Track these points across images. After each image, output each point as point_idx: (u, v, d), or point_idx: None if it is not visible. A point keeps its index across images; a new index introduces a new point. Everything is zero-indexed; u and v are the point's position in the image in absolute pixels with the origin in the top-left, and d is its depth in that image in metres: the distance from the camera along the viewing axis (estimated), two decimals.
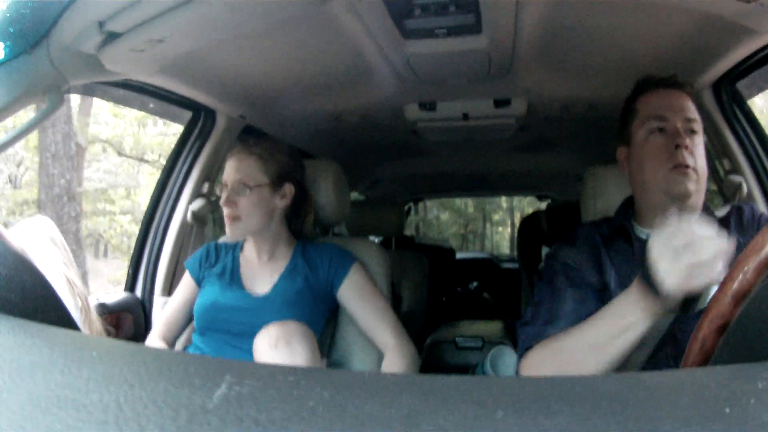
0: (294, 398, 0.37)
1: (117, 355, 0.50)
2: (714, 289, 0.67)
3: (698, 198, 1.12)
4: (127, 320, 1.75)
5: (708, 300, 0.67)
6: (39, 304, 0.63)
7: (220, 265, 1.48)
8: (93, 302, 1.61)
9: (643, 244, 1.13)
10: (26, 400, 0.35)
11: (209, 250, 1.53)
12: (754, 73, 1.51)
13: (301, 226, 1.55)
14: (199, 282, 1.50)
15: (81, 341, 0.57)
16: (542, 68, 1.58)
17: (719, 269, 0.75)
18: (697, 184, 1.09)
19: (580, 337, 0.94)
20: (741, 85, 1.58)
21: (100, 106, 10.01)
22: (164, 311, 1.56)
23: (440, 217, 16.05)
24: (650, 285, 0.82)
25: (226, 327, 1.35)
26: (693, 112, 1.13)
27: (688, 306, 0.80)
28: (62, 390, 0.38)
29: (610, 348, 0.89)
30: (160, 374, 0.42)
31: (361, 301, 1.42)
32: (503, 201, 16.63)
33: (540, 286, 1.15)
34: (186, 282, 1.54)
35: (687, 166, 1.07)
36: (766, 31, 1.20)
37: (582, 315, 1.01)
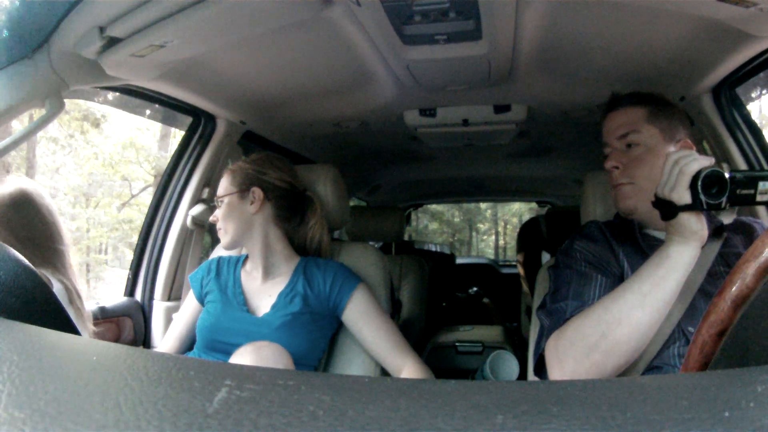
0: (294, 402, 0.37)
1: (117, 359, 0.50)
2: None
3: (647, 206, 1.14)
4: (127, 325, 1.75)
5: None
6: (40, 309, 0.64)
7: (223, 280, 1.48)
8: (92, 307, 1.62)
9: (650, 239, 1.15)
10: (27, 404, 0.35)
11: (211, 267, 1.53)
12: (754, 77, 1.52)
13: (304, 239, 1.53)
14: (201, 300, 1.50)
15: (81, 345, 0.57)
16: (542, 74, 1.58)
17: (699, 156, 0.93)
18: (639, 195, 1.16)
19: (629, 290, 0.94)
20: (740, 90, 1.59)
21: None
22: (171, 328, 1.55)
23: (429, 227, 16.78)
24: (671, 212, 0.93)
25: (225, 348, 1.32)
26: (626, 125, 1.17)
27: (713, 200, 0.90)
28: (62, 393, 0.38)
29: (661, 288, 0.93)
30: (160, 378, 0.42)
31: (367, 325, 1.38)
32: (488, 213, 17.35)
33: (561, 273, 1.14)
34: (190, 299, 1.55)
35: (618, 185, 1.18)
36: (765, 35, 1.21)
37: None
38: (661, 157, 1.10)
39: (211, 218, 1.48)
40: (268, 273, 1.45)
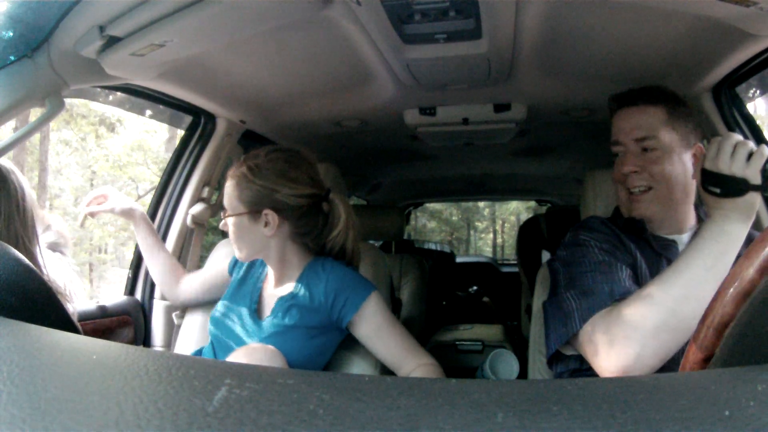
0: (294, 401, 0.37)
1: (117, 358, 0.50)
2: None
3: (667, 212, 1.16)
4: (127, 323, 1.75)
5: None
6: (40, 308, 0.64)
7: (252, 273, 1.43)
8: (92, 306, 1.61)
9: (660, 240, 1.14)
10: (27, 402, 0.35)
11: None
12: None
13: (324, 246, 1.38)
14: (230, 272, 1.49)
15: (81, 344, 0.57)
16: (542, 73, 1.58)
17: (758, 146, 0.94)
18: (657, 201, 1.14)
19: (692, 265, 0.93)
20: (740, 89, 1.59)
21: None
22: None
23: (427, 225, 17.28)
24: (740, 189, 0.93)
25: (224, 348, 1.31)
26: (645, 128, 1.14)
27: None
28: (63, 392, 0.38)
29: (722, 263, 0.92)
30: (160, 377, 0.42)
31: (380, 339, 1.28)
32: (486, 211, 17.60)
33: (576, 262, 1.10)
34: (222, 264, 1.55)
35: (636, 192, 1.15)
36: (765, 35, 1.21)
37: (633, 289, 1.00)
38: (677, 161, 1.12)
39: (221, 225, 1.35)
40: (279, 281, 1.37)
